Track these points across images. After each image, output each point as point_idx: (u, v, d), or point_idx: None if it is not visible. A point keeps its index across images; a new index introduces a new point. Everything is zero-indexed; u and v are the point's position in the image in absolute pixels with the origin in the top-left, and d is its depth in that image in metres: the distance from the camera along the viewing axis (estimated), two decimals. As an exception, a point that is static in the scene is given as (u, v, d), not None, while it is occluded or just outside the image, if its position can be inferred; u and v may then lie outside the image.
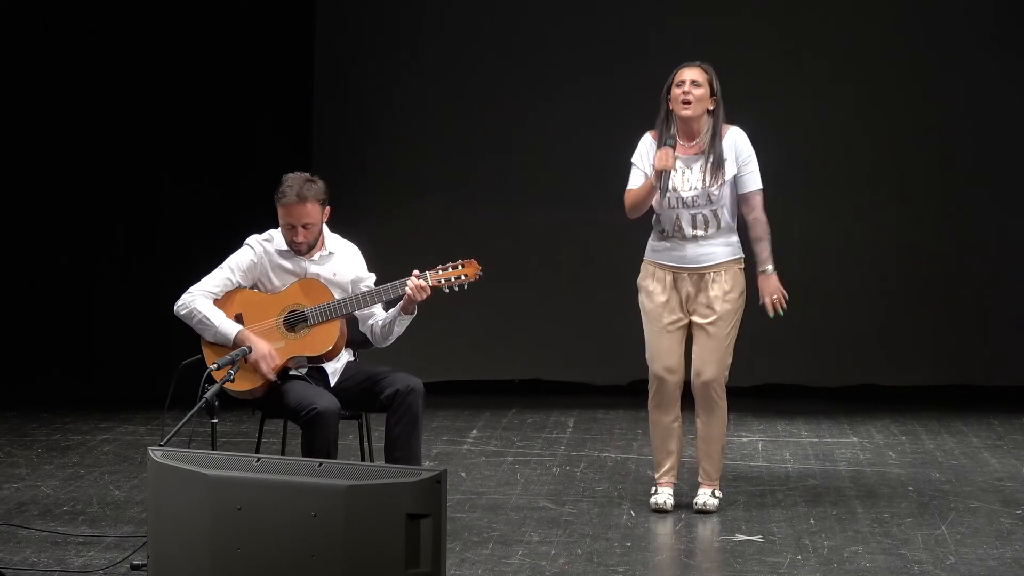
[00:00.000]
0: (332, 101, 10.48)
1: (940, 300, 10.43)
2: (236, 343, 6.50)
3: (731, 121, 7.11)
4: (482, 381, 10.62)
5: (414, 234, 10.35)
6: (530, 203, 10.52)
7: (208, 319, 6.55)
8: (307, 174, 6.67)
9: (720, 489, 7.25)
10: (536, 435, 9.19)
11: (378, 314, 6.74)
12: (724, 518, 7.06)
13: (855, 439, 9.04)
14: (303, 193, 6.56)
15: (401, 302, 6.61)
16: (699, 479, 7.25)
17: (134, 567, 6.06)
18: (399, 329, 6.71)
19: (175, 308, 6.61)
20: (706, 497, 7.17)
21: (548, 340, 10.56)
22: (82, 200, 10.08)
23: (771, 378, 10.41)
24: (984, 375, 10.44)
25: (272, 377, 6.51)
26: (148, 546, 5.07)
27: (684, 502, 7.24)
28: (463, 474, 8.02)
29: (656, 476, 7.25)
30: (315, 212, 6.59)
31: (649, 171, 7.00)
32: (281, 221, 6.62)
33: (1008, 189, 10.35)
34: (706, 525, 6.95)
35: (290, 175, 6.64)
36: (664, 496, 7.16)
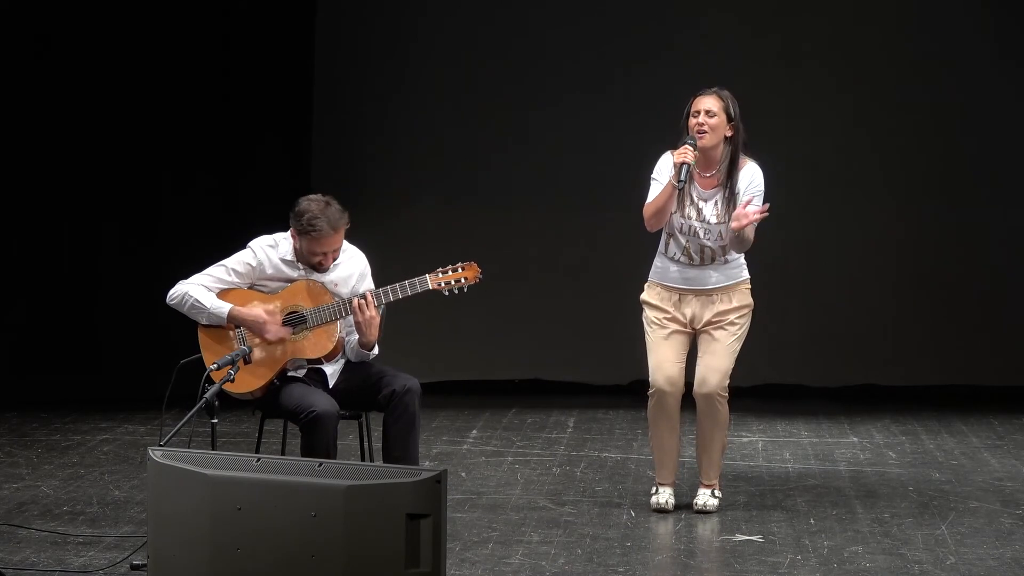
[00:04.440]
0: (332, 103, 10.47)
1: (940, 300, 10.43)
2: (230, 320, 6.51)
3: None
4: (482, 381, 10.62)
5: (414, 236, 10.35)
6: (530, 204, 10.52)
7: (200, 302, 6.54)
8: (323, 197, 6.58)
9: (720, 489, 7.25)
10: (536, 435, 9.18)
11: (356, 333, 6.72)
12: (724, 518, 7.06)
13: (855, 439, 9.04)
14: (336, 224, 6.52)
15: (357, 336, 6.61)
16: (699, 479, 7.25)
17: (134, 567, 6.06)
18: (356, 359, 6.71)
19: (167, 297, 6.60)
20: (706, 497, 7.17)
21: (548, 340, 10.56)
22: (82, 202, 10.08)
23: (771, 378, 10.41)
24: (984, 375, 10.44)
25: (282, 335, 6.50)
26: (148, 546, 5.07)
27: (684, 502, 7.24)
28: (463, 474, 8.02)
29: (657, 476, 7.25)
30: (342, 237, 6.60)
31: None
32: (308, 249, 6.54)
33: (1008, 189, 10.35)
34: (706, 525, 6.95)
35: (310, 203, 6.53)
36: (665, 496, 7.16)
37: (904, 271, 10.47)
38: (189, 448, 5.44)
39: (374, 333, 6.57)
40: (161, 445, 5.37)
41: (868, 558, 6.37)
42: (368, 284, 6.73)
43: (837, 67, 10.38)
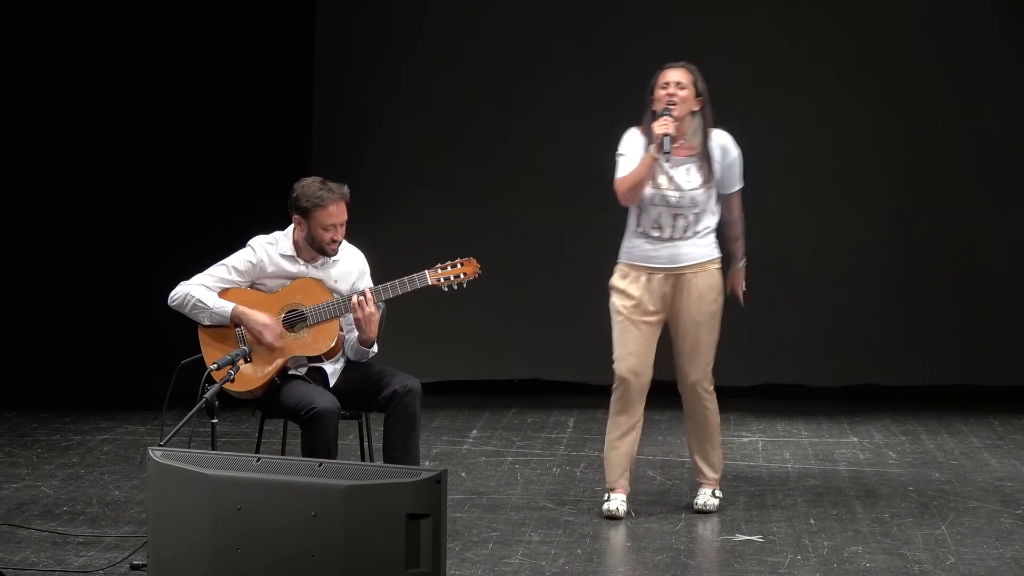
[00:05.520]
0: (332, 103, 10.47)
1: (940, 300, 10.42)
2: (233, 319, 6.51)
3: (736, 118, 7.09)
4: (482, 381, 10.62)
5: (413, 234, 10.35)
6: (530, 203, 10.52)
7: (202, 301, 6.54)
8: (314, 177, 6.65)
9: (720, 489, 7.25)
10: (536, 435, 9.18)
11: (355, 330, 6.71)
12: (724, 518, 7.06)
13: (855, 439, 9.04)
14: (338, 190, 6.56)
15: (356, 333, 6.61)
16: (699, 479, 7.25)
17: (134, 567, 6.06)
18: (356, 357, 6.71)
19: (168, 299, 6.60)
20: (706, 497, 7.17)
21: (548, 340, 10.55)
22: (82, 202, 10.08)
23: (771, 378, 10.40)
24: (984, 375, 10.43)
25: (279, 344, 6.51)
26: (148, 546, 5.07)
27: (684, 502, 7.24)
28: (463, 474, 8.02)
29: (609, 481, 7.14)
30: (346, 208, 6.61)
31: (640, 155, 6.92)
32: (319, 225, 6.54)
33: (1008, 189, 10.35)
34: (706, 525, 6.95)
35: (304, 182, 6.58)
36: (617, 503, 7.06)
37: (904, 271, 10.46)
38: (189, 448, 5.44)
39: (374, 330, 6.57)
40: (161, 445, 5.37)
41: (868, 558, 6.37)
42: (367, 282, 6.74)
43: (837, 67, 10.37)
